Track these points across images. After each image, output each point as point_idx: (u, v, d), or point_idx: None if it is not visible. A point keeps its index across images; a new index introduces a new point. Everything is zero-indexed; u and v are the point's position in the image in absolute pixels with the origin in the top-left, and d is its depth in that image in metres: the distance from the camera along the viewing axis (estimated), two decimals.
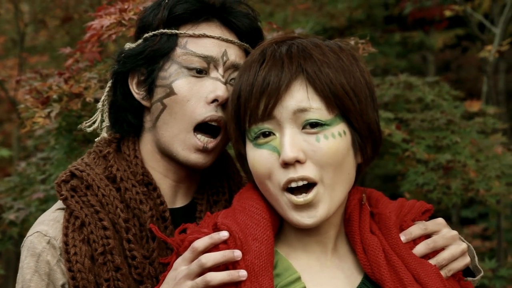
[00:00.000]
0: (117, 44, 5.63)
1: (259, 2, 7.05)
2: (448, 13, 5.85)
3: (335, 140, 1.66)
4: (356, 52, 1.76)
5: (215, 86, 1.88)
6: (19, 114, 3.51)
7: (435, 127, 4.25)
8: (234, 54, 1.92)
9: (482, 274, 1.82)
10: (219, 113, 1.88)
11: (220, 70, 1.90)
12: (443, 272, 1.71)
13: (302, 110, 1.65)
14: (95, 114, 2.03)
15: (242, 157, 1.75)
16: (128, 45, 1.97)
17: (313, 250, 1.73)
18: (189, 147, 1.89)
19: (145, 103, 1.94)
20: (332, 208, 1.68)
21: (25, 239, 1.90)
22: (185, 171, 1.95)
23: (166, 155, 1.93)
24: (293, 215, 1.66)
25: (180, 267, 1.67)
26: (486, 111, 4.73)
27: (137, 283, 1.84)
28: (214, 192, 2.00)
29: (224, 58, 1.90)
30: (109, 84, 2.00)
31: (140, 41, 1.95)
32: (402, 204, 1.80)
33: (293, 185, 1.65)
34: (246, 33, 1.95)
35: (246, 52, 1.95)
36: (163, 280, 1.72)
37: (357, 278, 1.73)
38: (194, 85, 1.89)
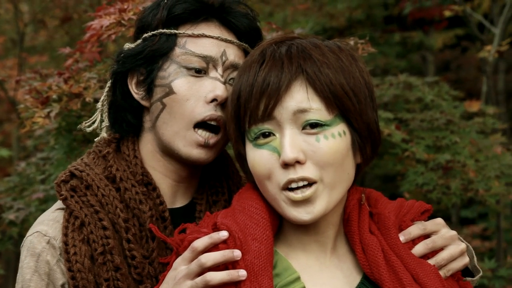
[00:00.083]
0: (116, 44, 5.63)
1: (258, 2, 7.05)
2: (447, 13, 5.85)
3: (335, 140, 1.66)
4: (355, 52, 1.77)
5: (214, 86, 1.88)
6: (19, 114, 3.52)
7: (435, 127, 4.24)
8: (233, 54, 1.92)
9: (481, 274, 1.82)
10: (218, 113, 1.88)
11: (219, 70, 1.90)
12: (442, 272, 1.71)
13: (302, 111, 1.65)
14: (95, 114, 2.03)
15: (242, 157, 1.75)
16: (127, 45, 1.97)
17: (313, 250, 1.73)
18: (191, 143, 1.89)
19: (144, 103, 1.94)
20: (329, 206, 1.68)
21: (24, 239, 1.90)
22: (185, 171, 1.95)
23: (168, 154, 1.93)
24: (291, 211, 1.66)
25: (180, 267, 1.67)
26: (485, 111, 4.73)
27: (136, 283, 1.84)
28: (213, 192, 2.01)
29: (223, 58, 1.91)
30: (108, 84, 2.00)
31: (139, 41, 1.95)
32: (401, 204, 1.80)
33: (293, 185, 1.65)
34: (245, 33, 1.95)
35: (245, 52, 1.95)
36: (163, 279, 1.72)
37: (356, 278, 1.73)
38: (193, 85, 1.89)
